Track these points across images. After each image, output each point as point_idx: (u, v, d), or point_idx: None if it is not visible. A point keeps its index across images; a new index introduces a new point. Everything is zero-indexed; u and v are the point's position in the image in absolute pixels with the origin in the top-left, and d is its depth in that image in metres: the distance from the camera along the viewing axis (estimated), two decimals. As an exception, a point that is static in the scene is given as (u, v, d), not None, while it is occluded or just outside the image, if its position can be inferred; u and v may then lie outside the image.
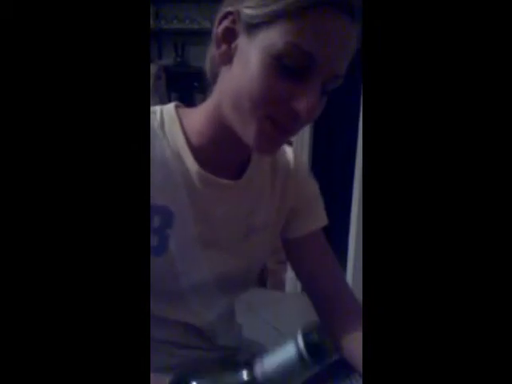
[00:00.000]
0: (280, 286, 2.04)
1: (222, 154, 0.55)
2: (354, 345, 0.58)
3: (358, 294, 0.66)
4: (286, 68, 0.44)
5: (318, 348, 0.33)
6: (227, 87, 0.49)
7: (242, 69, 0.47)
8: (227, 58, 0.48)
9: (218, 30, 0.48)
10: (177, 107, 0.57)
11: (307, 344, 0.33)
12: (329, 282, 0.65)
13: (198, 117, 0.55)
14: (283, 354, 0.35)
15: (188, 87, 2.58)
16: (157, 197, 0.51)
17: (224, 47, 0.48)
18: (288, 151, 0.65)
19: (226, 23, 0.48)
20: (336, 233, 0.91)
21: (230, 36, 0.48)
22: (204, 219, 0.56)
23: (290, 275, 2.00)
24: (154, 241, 0.52)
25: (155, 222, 0.52)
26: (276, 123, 0.47)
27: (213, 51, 0.51)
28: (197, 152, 0.55)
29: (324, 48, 0.43)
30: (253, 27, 0.45)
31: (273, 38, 0.44)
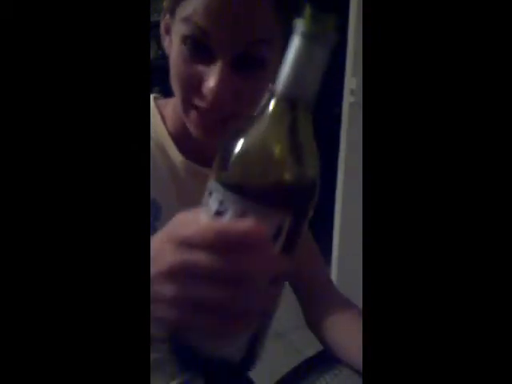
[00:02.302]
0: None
1: (201, 143, 0.54)
2: (336, 334, 0.58)
3: (342, 284, 0.67)
4: (191, 51, 0.44)
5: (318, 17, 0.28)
6: None
7: (170, 57, 0.48)
8: (170, 51, 0.49)
9: (162, 24, 0.50)
10: (155, 99, 0.57)
11: (309, 19, 0.28)
12: (311, 273, 0.65)
13: (172, 106, 0.55)
14: (290, 50, 0.30)
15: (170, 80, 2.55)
16: None
17: (167, 40, 0.50)
18: None
19: (165, 17, 0.49)
20: (320, 225, 0.91)
21: (168, 29, 0.49)
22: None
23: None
24: None
25: None
26: (201, 110, 0.46)
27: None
28: (179, 142, 0.54)
29: (215, 21, 0.42)
30: (173, 15, 0.46)
31: (177, 19, 0.45)
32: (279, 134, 0.30)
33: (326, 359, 0.58)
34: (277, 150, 0.30)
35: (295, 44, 0.29)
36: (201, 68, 0.45)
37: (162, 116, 0.55)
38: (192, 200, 0.55)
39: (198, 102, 0.46)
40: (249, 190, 0.29)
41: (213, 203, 0.30)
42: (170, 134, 0.54)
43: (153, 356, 0.59)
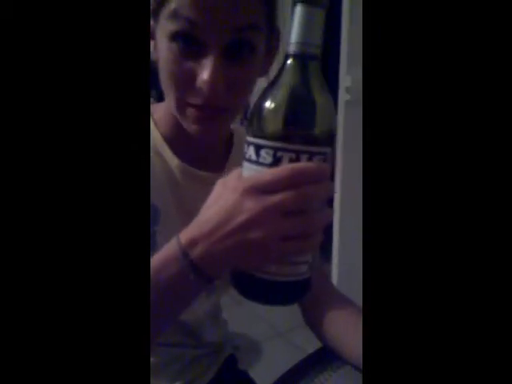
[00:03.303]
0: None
1: (196, 144, 0.55)
2: (335, 332, 0.59)
3: (342, 282, 0.67)
4: (183, 46, 0.44)
5: None
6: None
7: (160, 59, 0.48)
8: (157, 55, 0.49)
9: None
10: None
11: None
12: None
13: (164, 109, 0.55)
14: (294, 18, 0.36)
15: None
16: None
17: (151, 45, 0.50)
18: None
19: (151, 22, 0.49)
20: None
21: (152, 33, 0.49)
22: (189, 214, 0.55)
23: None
24: None
25: None
26: (196, 107, 0.47)
27: None
28: (174, 146, 0.55)
29: (202, 11, 0.42)
30: (156, 17, 0.47)
31: (163, 18, 0.45)
32: (303, 85, 0.37)
33: (324, 357, 0.59)
34: (310, 97, 0.37)
35: (298, 10, 0.36)
36: (192, 64, 0.45)
37: (154, 120, 0.56)
38: (189, 202, 0.55)
39: (192, 99, 0.46)
40: (299, 137, 0.36)
41: (266, 157, 0.36)
42: (163, 137, 0.55)
43: (154, 360, 0.59)
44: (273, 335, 1.69)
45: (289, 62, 0.36)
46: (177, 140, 0.55)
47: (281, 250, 0.35)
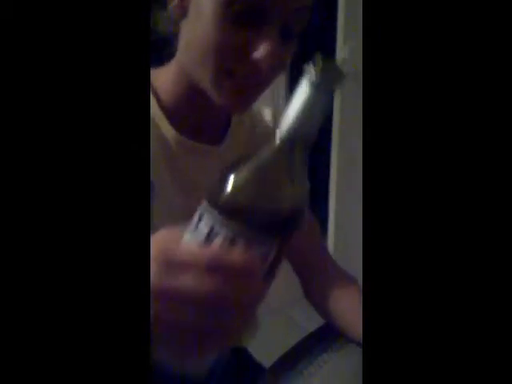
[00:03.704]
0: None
1: (196, 115, 0.52)
2: (338, 308, 0.58)
3: (340, 261, 0.67)
4: (239, 15, 0.41)
5: (329, 67, 0.30)
6: (186, 42, 0.47)
7: (197, 20, 0.44)
8: (183, 11, 0.46)
9: None
10: None
11: (319, 69, 0.30)
12: (310, 248, 0.64)
13: (166, 76, 0.52)
14: (298, 95, 0.31)
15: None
16: None
17: (177, 1, 0.46)
18: (267, 114, 0.62)
19: None
20: (316, 201, 0.91)
21: None
22: (186, 187, 0.53)
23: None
24: None
25: None
26: (237, 77, 0.45)
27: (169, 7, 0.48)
28: (171, 116, 0.51)
29: None
30: None
31: None
32: (279, 170, 0.32)
33: (328, 334, 0.58)
34: (275, 184, 0.32)
35: (304, 91, 0.30)
36: (243, 33, 0.42)
37: (153, 89, 0.52)
38: (185, 176, 0.53)
39: (239, 69, 0.44)
40: (245, 217, 0.31)
41: (203, 227, 0.31)
42: (161, 107, 0.51)
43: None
44: (270, 311, 1.70)
45: (277, 142, 0.32)
46: (177, 110, 0.51)
47: (167, 337, 0.29)
